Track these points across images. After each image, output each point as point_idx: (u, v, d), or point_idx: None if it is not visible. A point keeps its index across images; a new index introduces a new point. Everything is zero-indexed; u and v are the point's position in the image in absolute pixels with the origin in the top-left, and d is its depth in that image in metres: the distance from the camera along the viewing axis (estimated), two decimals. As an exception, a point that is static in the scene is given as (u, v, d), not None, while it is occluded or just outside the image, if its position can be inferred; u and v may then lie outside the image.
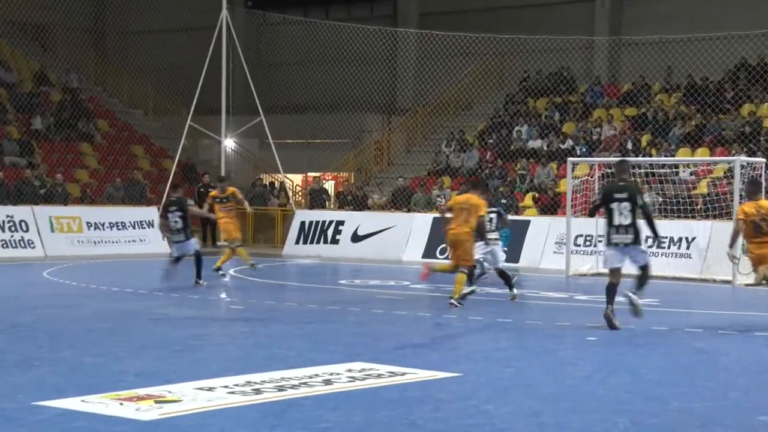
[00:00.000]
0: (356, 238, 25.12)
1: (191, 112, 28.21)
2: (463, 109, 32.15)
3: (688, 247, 20.43)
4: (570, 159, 22.72)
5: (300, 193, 33.12)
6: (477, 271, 15.93)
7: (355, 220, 25.42)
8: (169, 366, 9.73)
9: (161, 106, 34.40)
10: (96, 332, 12.12)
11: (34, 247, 23.55)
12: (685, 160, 24.36)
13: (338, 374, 9.17)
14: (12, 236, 23.33)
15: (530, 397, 8.58)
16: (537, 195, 25.81)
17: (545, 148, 27.94)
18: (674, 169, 23.37)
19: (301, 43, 33.53)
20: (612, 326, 12.46)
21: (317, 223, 25.78)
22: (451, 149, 29.58)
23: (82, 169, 30.15)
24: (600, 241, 21.16)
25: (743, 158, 20.81)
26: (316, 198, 28.22)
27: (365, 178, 31.56)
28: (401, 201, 26.96)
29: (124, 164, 30.86)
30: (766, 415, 8.16)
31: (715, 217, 21.02)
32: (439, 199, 26.40)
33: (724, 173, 22.99)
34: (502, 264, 16.05)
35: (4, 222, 23.29)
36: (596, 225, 21.25)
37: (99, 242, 24.63)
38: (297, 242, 25.89)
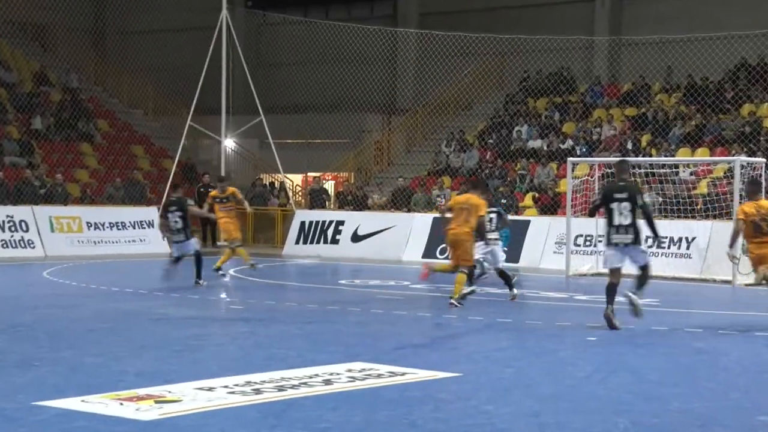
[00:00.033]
0: (356, 238, 25.12)
1: (191, 112, 28.20)
2: (463, 109, 32.15)
3: (688, 247, 20.42)
4: (570, 159, 22.71)
5: (300, 193, 33.12)
6: (477, 271, 15.95)
7: (355, 220, 25.42)
8: (169, 366, 9.72)
9: (161, 106, 34.39)
10: (96, 332, 12.11)
11: (34, 247, 23.54)
12: (685, 160, 24.36)
13: (338, 374, 9.16)
14: (12, 236, 23.33)
15: (530, 397, 8.57)
16: (537, 195, 25.80)
17: (545, 148, 27.93)
18: (674, 169, 23.36)
19: (301, 43, 33.53)
20: (612, 326, 12.46)
21: (317, 223, 25.78)
22: (451, 149, 29.58)
23: (82, 169, 30.14)
24: (600, 241, 21.20)
25: (743, 158, 20.81)
26: (316, 198, 28.22)
27: (365, 178, 31.56)
28: (401, 201, 26.95)
29: (124, 164, 30.86)
30: (766, 415, 8.15)
31: (715, 217, 21.01)
32: (439, 199, 26.39)
33: (724, 173, 22.99)
34: (502, 264, 16.04)
35: (4, 222, 23.28)
36: (596, 225, 21.25)
37: (99, 242, 24.62)
38: (297, 242, 25.88)
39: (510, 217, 18.67)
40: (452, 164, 28.96)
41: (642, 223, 12.62)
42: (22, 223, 23.56)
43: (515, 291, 15.68)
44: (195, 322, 13.19)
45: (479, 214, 14.55)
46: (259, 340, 11.79)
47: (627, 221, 12.52)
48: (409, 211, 26.10)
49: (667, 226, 19.97)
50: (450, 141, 29.88)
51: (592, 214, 13.91)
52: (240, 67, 28.27)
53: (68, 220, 24.41)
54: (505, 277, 15.70)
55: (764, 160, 20.77)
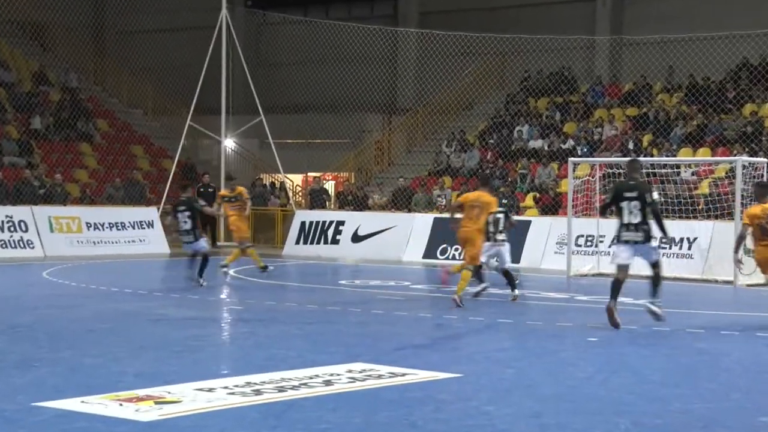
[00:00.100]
0: (357, 238, 25.09)
1: (191, 112, 28.18)
2: (464, 109, 32.13)
3: (689, 248, 20.39)
4: (571, 159, 22.66)
5: (300, 194, 33.10)
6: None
7: (355, 220, 25.39)
8: (168, 367, 9.70)
9: (161, 106, 34.38)
10: (95, 333, 12.09)
11: (33, 248, 23.51)
12: (686, 160, 24.33)
13: (338, 375, 9.13)
14: (11, 236, 23.29)
15: (531, 398, 8.55)
16: (538, 195, 25.77)
17: (546, 148, 27.91)
18: (676, 170, 23.32)
19: (301, 42, 33.51)
20: (612, 321, 12.47)
21: (317, 223, 25.75)
22: (451, 149, 29.55)
23: (82, 169, 30.12)
24: (601, 242, 21.22)
25: (745, 158, 20.77)
26: (316, 198, 28.19)
27: (366, 178, 31.54)
28: (402, 201, 26.92)
29: (123, 164, 30.84)
30: (767, 416, 8.12)
31: (716, 217, 20.98)
32: (440, 199, 26.37)
33: (726, 173, 22.94)
34: (509, 265, 15.99)
35: (3, 222, 23.25)
36: (597, 225, 21.26)
37: (98, 242, 24.58)
38: (297, 242, 25.86)
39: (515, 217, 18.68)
40: (453, 164, 28.94)
41: (653, 223, 12.66)
42: (22, 224, 23.53)
43: (516, 291, 15.65)
44: (195, 323, 13.16)
45: (490, 211, 14.64)
46: (259, 341, 11.76)
47: (637, 220, 12.59)
48: (409, 211, 26.08)
49: (668, 227, 19.90)
50: (451, 141, 29.85)
51: (602, 212, 13.90)
52: (240, 66, 28.25)
53: (68, 221, 24.38)
54: (509, 278, 15.68)
55: (766, 160, 20.75)
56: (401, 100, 34.31)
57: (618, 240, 12.82)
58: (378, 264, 23.13)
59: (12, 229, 23.33)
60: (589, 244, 21.45)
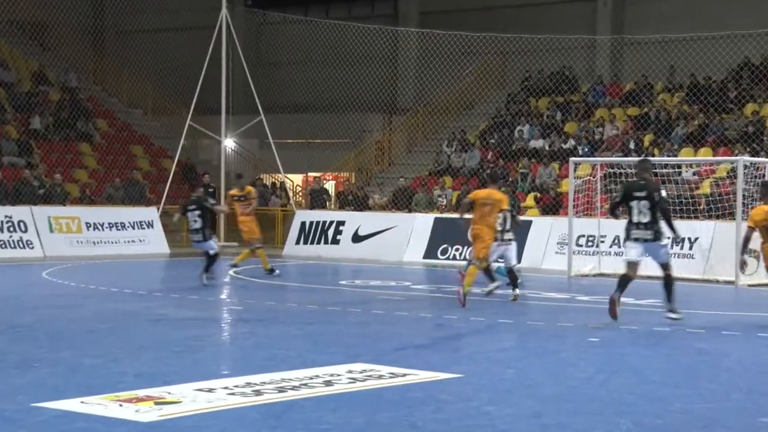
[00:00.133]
0: (357, 238, 25.07)
1: (191, 112, 28.16)
2: (465, 109, 32.11)
3: (690, 248, 20.35)
4: (572, 159, 22.63)
5: (300, 194, 33.08)
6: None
7: (355, 220, 25.37)
8: (168, 367, 9.68)
9: (161, 106, 34.36)
10: (95, 333, 12.07)
11: (33, 248, 23.48)
12: (687, 160, 24.31)
13: (339, 375, 9.11)
14: (11, 237, 23.26)
15: (532, 398, 8.53)
16: (539, 195, 25.75)
17: (547, 147, 27.88)
18: (677, 169, 23.30)
19: (302, 42, 33.51)
20: (613, 312, 12.52)
21: (318, 223, 25.73)
22: (452, 149, 29.53)
23: (81, 169, 30.10)
24: (602, 242, 21.21)
25: (746, 158, 20.75)
26: (316, 198, 28.17)
27: (366, 178, 31.52)
28: (402, 201, 26.90)
29: (123, 164, 30.82)
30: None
31: (718, 217, 20.95)
32: (440, 199, 26.35)
33: (727, 173, 22.92)
34: (514, 264, 16.00)
35: (2, 222, 23.22)
36: (598, 225, 21.24)
37: (98, 243, 24.56)
38: (297, 242, 25.84)
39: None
40: (453, 164, 28.92)
41: (663, 222, 12.77)
42: (21, 224, 23.50)
43: (518, 291, 15.64)
44: (194, 323, 13.15)
45: (502, 208, 14.73)
46: (259, 341, 11.74)
47: (646, 219, 12.68)
48: (410, 211, 26.05)
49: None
50: (451, 141, 29.83)
51: (612, 211, 13.92)
52: (240, 66, 28.23)
53: (67, 221, 24.35)
54: (512, 277, 15.69)
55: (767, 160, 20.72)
56: (402, 99, 34.30)
57: (627, 238, 12.87)
58: (378, 264, 23.11)
59: (11, 229, 23.30)
60: (590, 244, 21.43)
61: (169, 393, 8.22)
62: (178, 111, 31.22)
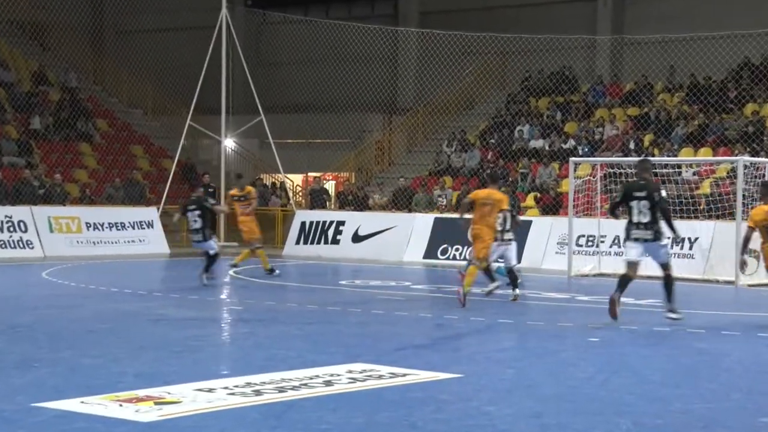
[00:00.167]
0: (357, 238, 25.06)
1: (191, 112, 28.14)
2: (465, 109, 32.10)
3: (690, 248, 20.35)
4: (572, 159, 22.62)
5: (300, 194, 33.07)
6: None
7: (355, 220, 25.36)
8: (168, 367, 9.67)
9: (161, 106, 34.35)
10: (95, 333, 12.07)
11: (32, 248, 23.47)
12: (687, 160, 24.30)
13: (339, 375, 9.10)
14: (11, 237, 23.26)
15: (532, 398, 8.53)
16: (539, 195, 25.74)
17: (547, 147, 27.87)
18: (677, 169, 23.29)
19: (302, 42, 33.50)
20: (612, 312, 12.54)
21: (318, 223, 25.72)
22: (452, 149, 29.52)
23: (81, 169, 30.09)
24: (602, 242, 21.20)
25: (746, 158, 20.74)
26: (316, 198, 28.16)
27: (366, 178, 31.51)
28: (402, 201, 26.89)
29: (123, 164, 30.81)
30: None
31: (718, 217, 20.94)
32: (440, 199, 26.34)
33: (727, 173, 22.91)
34: (514, 263, 16.02)
35: (2, 222, 23.21)
36: (598, 225, 21.23)
37: (98, 243, 24.55)
38: (297, 242, 25.83)
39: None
40: (453, 164, 28.91)
41: (663, 223, 12.80)
42: (21, 224, 23.49)
43: (517, 291, 15.64)
44: (194, 323, 13.14)
45: (502, 208, 14.76)
46: (259, 341, 11.73)
47: (646, 219, 12.71)
48: (410, 211, 26.04)
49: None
50: (451, 141, 29.82)
51: (612, 212, 13.94)
52: (240, 66, 28.22)
53: (67, 221, 24.34)
54: (512, 277, 15.70)
55: None
56: (402, 99, 34.29)
57: (627, 238, 12.88)
58: (378, 264, 23.10)
59: (11, 229, 23.29)
60: (590, 244, 21.42)
61: (169, 393, 8.21)
62: (178, 111, 31.21)
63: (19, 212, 23.67)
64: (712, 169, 24.28)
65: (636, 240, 12.78)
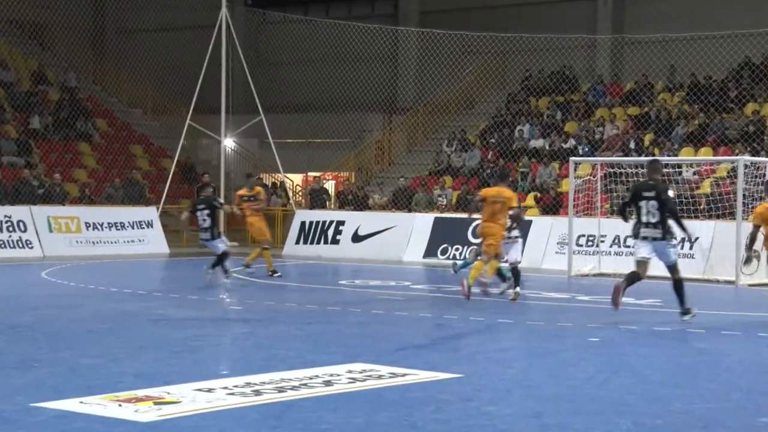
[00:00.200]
0: (357, 238, 25.05)
1: (190, 112, 28.11)
2: (465, 109, 32.09)
3: (690, 248, 20.33)
4: (572, 158, 22.61)
5: (300, 193, 33.06)
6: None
7: (355, 220, 25.35)
8: (168, 367, 9.66)
9: (160, 106, 34.34)
10: (95, 333, 12.05)
11: (32, 248, 23.45)
12: (688, 160, 24.29)
13: (338, 375, 9.09)
14: (10, 236, 23.24)
15: (532, 398, 8.52)
16: (539, 195, 25.73)
17: (547, 147, 27.86)
18: (677, 169, 23.27)
19: (302, 41, 33.48)
20: (615, 300, 12.59)
21: (317, 223, 25.71)
22: (452, 149, 29.51)
23: (81, 168, 30.08)
24: (602, 242, 21.19)
25: (747, 158, 20.73)
26: (316, 198, 28.15)
27: (366, 177, 31.50)
28: (402, 201, 26.88)
29: (122, 164, 30.80)
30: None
31: (718, 217, 20.93)
32: (440, 198, 26.33)
33: (728, 173, 22.91)
34: (519, 259, 16.09)
35: (1, 222, 23.21)
36: (598, 225, 21.22)
37: (98, 242, 24.53)
38: (297, 242, 25.82)
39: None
40: (453, 164, 28.90)
41: (673, 223, 12.88)
42: (20, 223, 23.48)
43: (518, 289, 15.65)
44: (194, 323, 13.13)
45: (512, 206, 14.86)
46: (258, 341, 11.72)
47: (655, 219, 12.79)
48: (410, 211, 26.03)
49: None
50: (451, 140, 29.81)
51: (622, 212, 13.95)
52: (240, 66, 28.19)
53: (66, 220, 24.33)
54: (515, 274, 15.75)
55: None
56: (402, 99, 34.27)
57: (636, 236, 12.94)
58: (378, 264, 23.09)
59: (11, 229, 23.28)
60: (590, 244, 21.41)
61: (169, 393, 8.20)
62: (178, 110, 31.20)
63: (19, 212, 23.66)
64: (712, 169, 24.27)
65: (644, 238, 12.86)
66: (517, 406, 8.24)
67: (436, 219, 24.32)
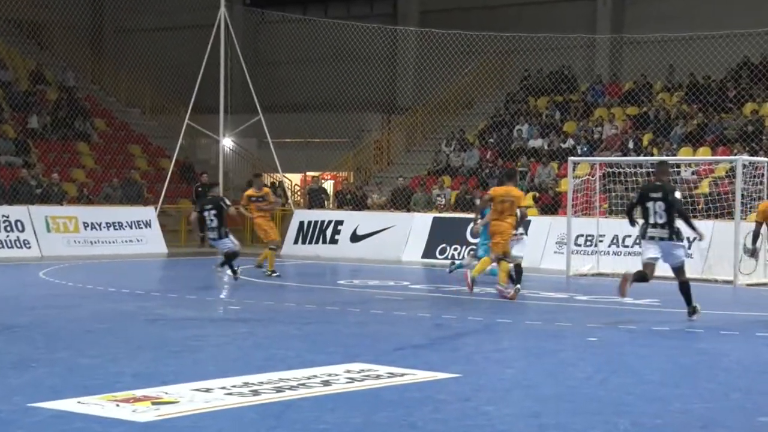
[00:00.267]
0: (355, 238, 25.04)
1: (189, 111, 28.10)
2: (464, 108, 32.08)
3: (689, 247, 20.30)
4: (571, 158, 22.62)
5: (299, 193, 33.05)
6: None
7: (354, 220, 25.34)
8: (166, 367, 9.64)
9: (159, 105, 34.32)
10: (93, 333, 12.04)
11: (30, 248, 23.43)
12: (686, 160, 24.29)
13: (337, 375, 9.08)
14: (8, 236, 23.22)
15: (530, 398, 8.51)
16: (537, 194, 25.72)
17: (546, 147, 27.86)
18: (676, 169, 23.24)
19: (300, 41, 33.46)
20: (622, 290, 12.76)
21: (316, 223, 25.70)
22: (451, 148, 29.50)
23: (79, 168, 30.05)
24: (600, 241, 21.19)
25: (745, 158, 20.73)
26: (314, 198, 28.13)
27: (364, 177, 31.49)
28: (401, 201, 26.88)
29: (121, 164, 30.77)
30: (767, 416, 8.09)
31: (716, 216, 20.93)
32: (439, 198, 26.32)
33: (726, 173, 22.91)
34: (521, 256, 16.20)
35: None
36: (597, 225, 21.22)
37: (96, 242, 24.52)
38: (296, 242, 25.81)
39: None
40: (452, 164, 28.89)
41: (681, 223, 12.96)
42: (18, 223, 23.46)
43: (518, 287, 15.69)
44: (193, 323, 13.11)
45: (521, 204, 15.04)
46: (257, 341, 11.71)
47: (662, 220, 12.85)
48: (408, 211, 26.02)
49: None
50: (450, 140, 29.80)
51: (629, 214, 13.98)
52: (238, 65, 28.18)
53: (64, 220, 24.30)
54: (518, 271, 15.82)
55: (766, 159, 20.71)
56: (401, 99, 34.26)
57: (643, 237, 12.99)
58: (377, 264, 23.08)
59: (8, 228, 23.25)
60: (588, 243, 21.41)
61: (167, 393, 8.18)
62: (176, 110, 31.18)
63: (17, 212, 23.63)
64: (710, 169, 24.27)
65: (652, 239, 12.90)
66: (515, 406, 8.23)
67: (435, 219, 24.32)
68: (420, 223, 24.38)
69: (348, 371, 9.29)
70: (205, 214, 18.24)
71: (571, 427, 7.48)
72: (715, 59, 26.16)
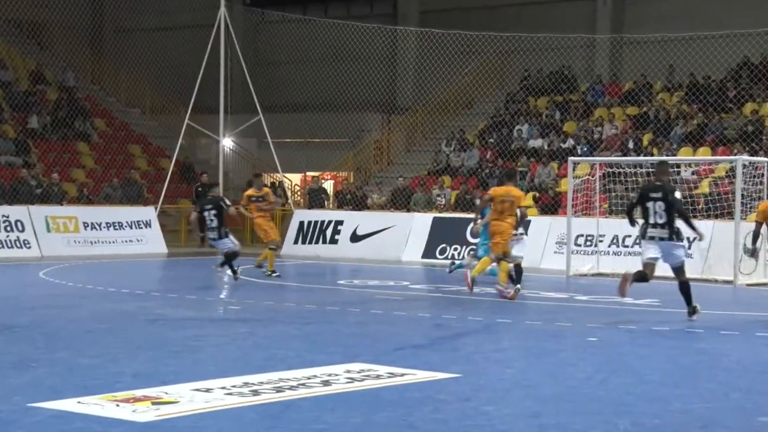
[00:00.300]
0: (355, 238, 25.04)
1: (189, 111, 28.10)
2: (464, 108, 32.08)
3: (689, 247, 20.30)
4: (571, 158, 22.62)
5: (299, 193, 33.04)
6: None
7: (354, 219, 25.34)
8: (166, 367, 9.64)
9: (159, 105, 34.32)
10: (93, 333, 12.03)
11: (30, 248, 23.42)
12: (686, 160, 24.29)
13: (337, 375, 9.08)
14: (8, 236, 23.21)
15: (530, 398, 8.51)
16: (537, 194, 25.72)
17: (546, 147, 27.86)
18: (676, 169, 23.24)
19: (300, 41, 33.46)
20: (622, 289, 12.75)
21: (316, 223, 25.70)
22: (451, 148, 29.50)
23: (79, 168, 30.05)
24: (600, 241, 21.19)
25: (745, 158, 20.73)
26: (314, 198, 28.13)
27: (364, 177, 31.49)
28: (401, 201, 26.88)
29: (121, 164, 30.77)
30: (767, 416, 8.09)
31: (716, 216, 20.93)
32: (439, 198, 26.32)
33: (726, 173, 22.90)
34: (521, 256, 16.23)
35: None
36: (597, 225, 21.22)
37: (96, 242, 24.51)
38: (296, 242, 25.80)
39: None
40: (452, 164, 28.89)
41: (681, 223, 12.96)
42: (18, 223, 23.45)
43: (518, 286, 15.69)
44: (193, 323, 13.11)
45: (521, 204, 15.07)
46: (257, 341, 11.71)
47: (662, 220, 12.87)
48: (408, 211, 26.02)
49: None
50: (450, 140, 29.80)
51: (629, 214, 13.99)
52: (238, 65, 28.18)
53: (64, 220, 24.30)
54: (518, 271, 15.82)
55: (766, 159, 20.70)
56: (401, 99, 34.26)
57: (643, 237, 13.00)
58: (377, 264, 23.07)
59: (8, 228, 23.25)
60: (588, 243, 21.41)
61: (167, 393, 8.18)
62: (176, 110, 31.18)
63: (17, 212, 23.63)
64: (710, 169, 24.27)
65: (652, 239, 12.90)
66: (515, 406, 8.23)
67: (435, 219, 24.31)
68: (420, 223, 24.38)
69: (348, 371, 9.28)
70: (205, 214, 18.26)
71: (571, 427, 7.48)
72: (715, 59, 26.16)
